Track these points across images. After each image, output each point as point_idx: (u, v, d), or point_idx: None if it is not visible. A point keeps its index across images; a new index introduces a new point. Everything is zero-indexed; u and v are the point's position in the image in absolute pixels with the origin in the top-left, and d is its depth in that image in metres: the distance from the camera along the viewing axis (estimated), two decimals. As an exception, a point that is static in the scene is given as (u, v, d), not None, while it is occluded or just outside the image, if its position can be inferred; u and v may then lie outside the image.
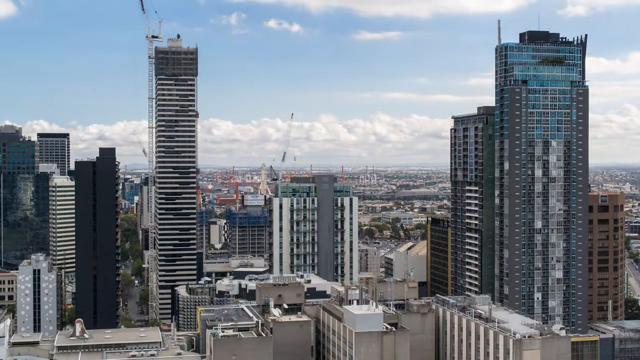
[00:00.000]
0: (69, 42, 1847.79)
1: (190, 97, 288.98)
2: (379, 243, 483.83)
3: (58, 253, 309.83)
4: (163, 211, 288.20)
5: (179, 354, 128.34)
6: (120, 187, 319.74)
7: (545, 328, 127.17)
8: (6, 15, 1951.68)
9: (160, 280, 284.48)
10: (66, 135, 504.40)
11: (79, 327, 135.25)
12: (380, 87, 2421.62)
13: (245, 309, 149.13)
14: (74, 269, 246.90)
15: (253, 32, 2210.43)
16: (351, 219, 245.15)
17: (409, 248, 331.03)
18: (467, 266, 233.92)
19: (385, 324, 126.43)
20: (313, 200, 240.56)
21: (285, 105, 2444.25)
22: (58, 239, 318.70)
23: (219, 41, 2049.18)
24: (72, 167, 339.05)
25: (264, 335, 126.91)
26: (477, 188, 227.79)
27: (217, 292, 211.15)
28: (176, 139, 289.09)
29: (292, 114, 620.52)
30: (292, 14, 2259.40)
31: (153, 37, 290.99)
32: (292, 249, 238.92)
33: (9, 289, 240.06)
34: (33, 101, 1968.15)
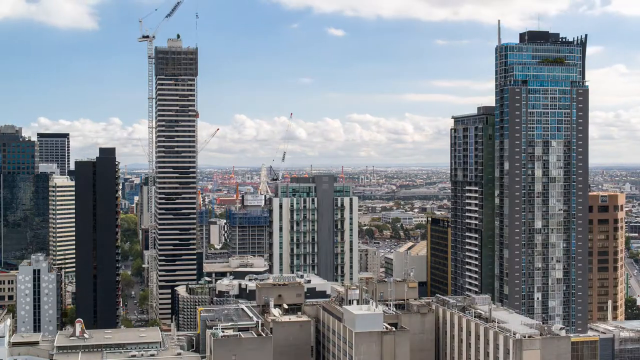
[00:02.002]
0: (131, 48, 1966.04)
1: (190, 97, 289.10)
2: (379, 243, 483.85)
3: (58, 253, 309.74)
4: (163, 211, 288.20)
5: (179, 354, 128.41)
6: (120, 187, 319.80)
7: (545, 328, 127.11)
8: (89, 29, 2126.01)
9: (160, 280, 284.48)
10: (66, 135, 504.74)
11: (79, 327, 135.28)
12: (417, 90, 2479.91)
13: (245, 309, 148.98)
14: (74, 269, 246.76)
15: (308, 37, 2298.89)
16: (351, 219, 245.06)
17: (409, 248, 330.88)
18: (467, 266, 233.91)
19: (385, 324, 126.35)
20: (313, 200, 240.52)
21: (313, 106, 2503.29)
22: (58, 239, 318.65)
23: (275, 45, 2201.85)
24: (72, 167, 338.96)
25: (264, 335, 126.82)
26: (477, 188, 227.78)
27: (217, 292, 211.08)
28: (176, 139, 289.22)
29: (292, 114, 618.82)
30: (349, 23, 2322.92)
31: (149, 37, 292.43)
32: (292, 249, 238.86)
33: (9, 289, 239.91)
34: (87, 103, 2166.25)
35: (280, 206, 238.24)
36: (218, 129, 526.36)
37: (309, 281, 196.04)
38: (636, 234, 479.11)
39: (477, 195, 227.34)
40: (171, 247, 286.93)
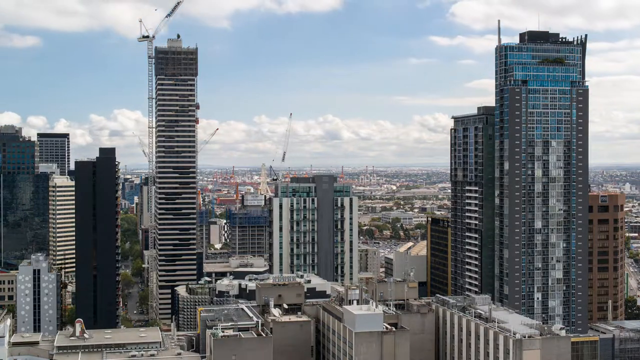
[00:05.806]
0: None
1: (190, 97, 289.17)
2: (379, 243, 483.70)
3: (58, 253, 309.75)
4: (163, 211, 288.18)
5: (179, 354, 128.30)
6: (120, 187, 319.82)
7: (545, 328, 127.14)
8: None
9: (160, 280, 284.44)
10: (66, 135, 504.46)
11: (79, 327, 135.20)
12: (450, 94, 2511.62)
13: (245, 309, 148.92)
14: (74, 269, 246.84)
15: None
16: (351, 219, 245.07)
17: (409, 248, 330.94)
18: (467, 266, 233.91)
19: (385, 324, 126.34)
20: (313, 200, 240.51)
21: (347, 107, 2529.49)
22: (58, 239, 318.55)
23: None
24: (72, 167, 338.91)
25: (264, 335, 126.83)
26: (477, 188, 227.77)
27: (217, 292, 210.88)
28: (176, 139, 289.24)
29: (291, 114, 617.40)
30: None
31: (149, 37, 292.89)
32: (292, 249, 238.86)
33: (9, 289, 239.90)
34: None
35: (280, 206, 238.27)
36: (217, 129, 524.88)
37: (309, 281, 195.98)
38: (636, 234, 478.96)
39: (477, 195, 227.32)
40: (171, 247, 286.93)
